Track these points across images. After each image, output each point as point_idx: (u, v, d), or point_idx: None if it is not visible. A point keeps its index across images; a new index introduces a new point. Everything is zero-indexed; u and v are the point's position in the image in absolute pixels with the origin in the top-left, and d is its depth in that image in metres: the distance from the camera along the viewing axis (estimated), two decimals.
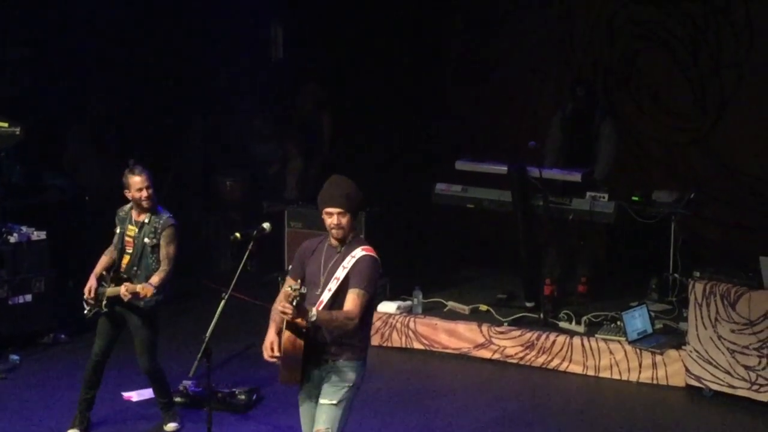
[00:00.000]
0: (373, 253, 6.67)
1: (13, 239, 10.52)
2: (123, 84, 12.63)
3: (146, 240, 8.45)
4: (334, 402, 6.66)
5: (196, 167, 13.52)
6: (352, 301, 6.52)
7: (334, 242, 6.72)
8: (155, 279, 8.33)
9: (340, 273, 6.60)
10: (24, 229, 10.66)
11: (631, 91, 12.88)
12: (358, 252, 6.64)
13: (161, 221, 8.47)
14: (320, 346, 6.59)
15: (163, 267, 8.40)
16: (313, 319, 6.40)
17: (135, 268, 8.49)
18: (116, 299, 8.40)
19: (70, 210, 11.99)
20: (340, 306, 6.55)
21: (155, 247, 8.44)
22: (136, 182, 8.41)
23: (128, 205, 8.61)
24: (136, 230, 8.51)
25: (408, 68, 13.38)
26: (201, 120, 13.51)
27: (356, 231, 6.78)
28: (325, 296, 6.62)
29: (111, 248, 8.67)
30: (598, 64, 13.03)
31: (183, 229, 12.85)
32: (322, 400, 6.68)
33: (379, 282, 6.79)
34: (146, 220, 8.49)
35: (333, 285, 6.61)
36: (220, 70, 13.30)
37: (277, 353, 6.50)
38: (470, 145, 12.95)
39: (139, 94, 12.71)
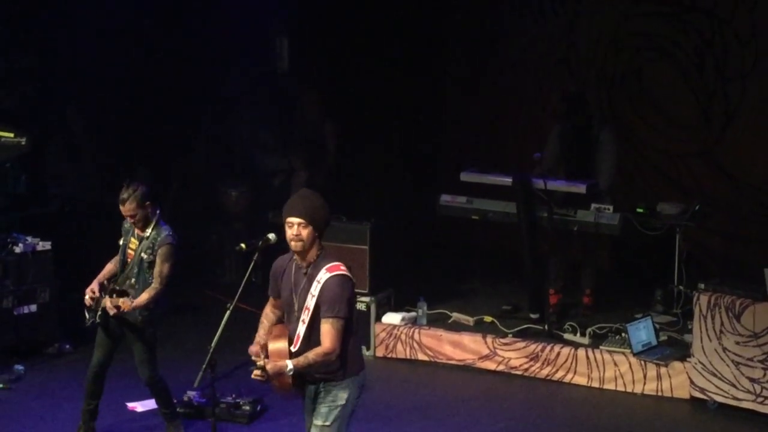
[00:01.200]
0: (338, 271, 6.54)
1: (18, 249, 10.52)
2: (127, 94, 12.63)
3: (143, 255, 8.41)
4: (328, 423, 6.65)
5: (200, 178, 13.53)
6: (327, 334, 6.45)
7: (299, 261, 6.62)
8: (144, 296, 8.29)
9: (310, 302, 6.53)
10: (29, 239, 10.65)
11: (636, 103, 12.88)
12: (323, 275, 6.52)
13: (159, 238, 8.40)
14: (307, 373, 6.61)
15: (154, 285, 8.34)
16: (291, 373, 6.42)
17: (131, 281, 8.46)
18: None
19: (75, 220, 12.00)
20: (317, 337, 6.49)
21: (152, 264, 8.39)
22: (121, 209, 8.36)
23: None
24: (138, 243, 8.49)
25: (412, 79, 13.40)
26: (206, 131, 13.52)
27: (323, 250, 6.64)
28: (301, 329, 6.56)
29: (117, 257, 8.67)
30: (602, 75, 13.03)
31: (187, 241, 12.86)
32: (315, 421, 6.68)
33: (354, 299, 6.66)
34: (146, 235, 8.44)
35: (305, 316, 6.54)
36: (225, 81, 13.32)
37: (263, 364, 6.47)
38: (475, 156, 12.96)
39: (144, 104, 12.71)
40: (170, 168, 12.85)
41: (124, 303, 8.16)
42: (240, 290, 6.65)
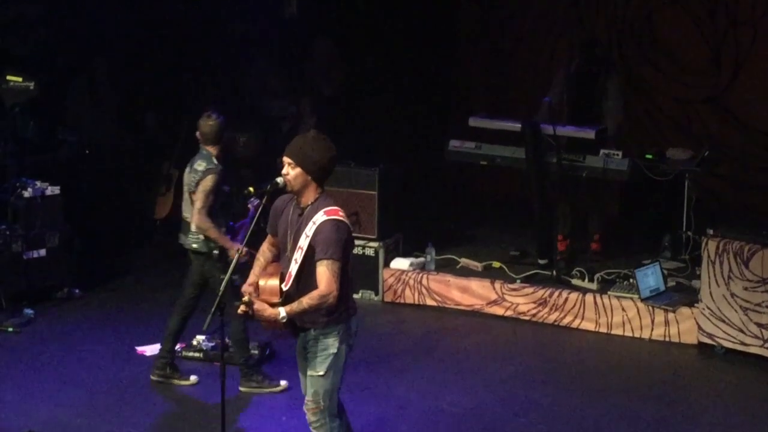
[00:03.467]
0: (335, 216, 6.46)
1: (27, 194, 10.52)
2: (136, 40, 12.61)
3: None
4: (321, 373, 6.62)
5: None
6: (322, 276, 6.37)
7: (297, 201, 6.59)
8: None
9: (303, 242, 6.46)
10: (38, 184, 10.66)
11: (646, 49, 12.83)
12: (320, 217, 6.46)
13: None
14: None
15: None
16: (284, 320, 6.39)
17: None
18: None
19: (84, 165, 12.01)
20: (308, 276, 6.45)
21: None
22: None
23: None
24: None
25: (422, 25, 13.34)
26: (215, 76, 13.49)
27: (323, 194, 6.57)
28: (293, 268, 6.50)
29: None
30: (612, 21, 12.96)
31: None
32: (309, 371, 6.66)
33: (349, 245, 6.56)
34: None
35: (298, 255, 6.48)
36: (234, 27, 13.26)
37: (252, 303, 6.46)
38: (484, 101, 12.93)
39: (153, 50, 12.69)
40: (179, 113, 12.82)
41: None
42: (248, 234, 6.65)
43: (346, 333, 6.66)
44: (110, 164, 12.32)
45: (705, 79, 12.54)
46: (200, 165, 8.52)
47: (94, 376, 9.02)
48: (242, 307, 6.40)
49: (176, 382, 8.88)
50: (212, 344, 9.27)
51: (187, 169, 8.67)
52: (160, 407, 8.54)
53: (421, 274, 10.80)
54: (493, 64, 13.56)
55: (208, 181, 8.42)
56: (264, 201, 6.65)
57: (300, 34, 13.35)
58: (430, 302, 10.76)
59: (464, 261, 11.07)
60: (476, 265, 10.97)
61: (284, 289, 6.51)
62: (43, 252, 10.61)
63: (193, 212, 8.45)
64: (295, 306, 6.40)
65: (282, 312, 6.38)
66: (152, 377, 8.88)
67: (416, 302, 10.80)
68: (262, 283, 6.58)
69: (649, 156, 10.89)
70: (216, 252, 8.53)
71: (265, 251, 6.85)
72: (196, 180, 8.47)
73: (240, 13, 13.14)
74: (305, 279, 6.49)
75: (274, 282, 6.54)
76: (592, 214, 11.32)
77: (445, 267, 10.98)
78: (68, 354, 9.47)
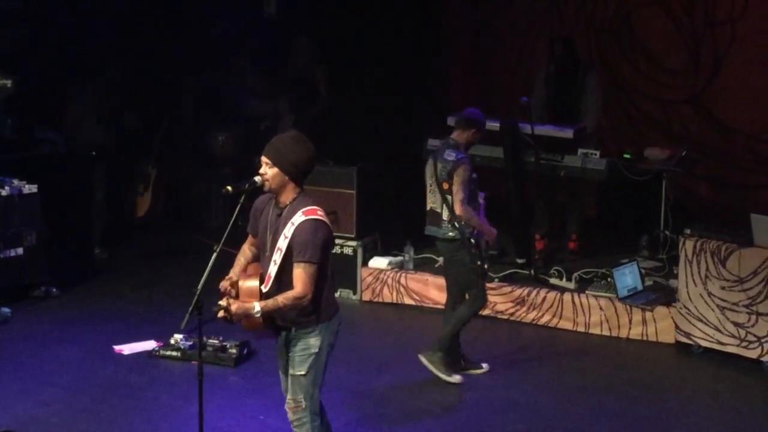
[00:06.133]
0: (313, 215, 6.46)
1: (4, 192, 10.48)
2: (116, 39, 12.57)
3: None
4: (302, 372, 6.64)
5: (188, 123, 13.49)
6: (298, 278, 6.40)
7: (276, 201, 6.59)
8: None
9: (282, 243, 6.47)
10: (15, 182, 10.62)
11: (625, 49, 12.84)
12: (298, 218, 6.46)
13: None
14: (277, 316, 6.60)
15: None
16: (258, 315, 6.40)
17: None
18: None
19: (62, 164, 11.95)
20: (288, 278, 6.46)
21: None
22: None
23: None
24: None
25: (402, 23, 13.32)
26: (194, 76, 13.47)
27: (302, 193, 6.56)
28: (272, 269, 6.52)
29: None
30: (591, 19, 12.97)
31: (175, 185, 12.88)
32: (291, 371, 6.69)
33: (328, 245, 6.56)
34: None
35: (277, 257, 6.49)
36: (214, 26, 13.25)
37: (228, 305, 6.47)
38: (462, 100, 12.92)
39: (133, 50, 12.66)
40: (158, 112, 12.80)
41: None
42: (226, 233, 6.64)
43: (327, 332, 6.67)
44: (89, 163, 12.26)
45: (683, 79, 12.54)
46: (450, 155, 8.76)
47: (71, 375, 9.00)
48: (221, 312, 6.41)
49: (472, 372, 9.13)
50: (190, 343, 9.26)
51: (430, 160, 8.98)
52: (138, 406, 8.50)
53: (399, 273, 10.81)
54: (472, 64, 13.55)
55: (462, 171, 8.67)
56: (242, 200, 6.65)
57: (279, 34, 13.34)
58: (408, 301, 10.77)
59: (442, 260, 11.06)
60: None
61: (264, 290, 6.52)
62: (20, 251, 10.57)
63: (455, 203, 8.69)
64: (270, 303, 6.42)
65: (256, 306, 6.40)
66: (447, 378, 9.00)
67: (395, 301, 10.81)
68: (241, 283, 6.59)
69: (627, 155, 10.92)
70: (471, 239, 8.78)
71: (245, 251, 6.86)
72: (447, 170, 8.70)
73: (219, 12, 13.13)
74: (285, 280, 6.49)
75: (252, 283, 6.55)
76: (570, 213, 11.35)
77: (424, 266, 11.00)
78: (45, 353, 9.43)
